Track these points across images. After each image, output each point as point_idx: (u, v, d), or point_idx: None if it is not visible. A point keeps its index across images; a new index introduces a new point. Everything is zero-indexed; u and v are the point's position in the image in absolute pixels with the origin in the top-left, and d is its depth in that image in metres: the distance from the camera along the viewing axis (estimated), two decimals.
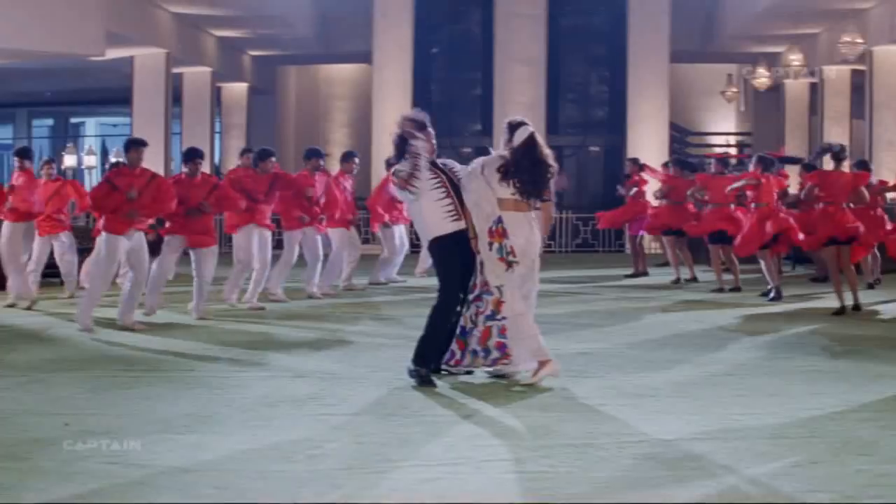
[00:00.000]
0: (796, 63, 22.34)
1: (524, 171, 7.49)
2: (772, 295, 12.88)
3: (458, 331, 7.51)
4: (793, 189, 15.64)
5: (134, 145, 10.57)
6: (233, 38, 25.04)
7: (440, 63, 26.11)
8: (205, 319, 11.01)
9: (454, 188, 7.61)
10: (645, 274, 16.32)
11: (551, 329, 9.48)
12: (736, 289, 13.80)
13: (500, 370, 7.53)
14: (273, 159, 12.57)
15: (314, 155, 13.31)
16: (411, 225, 15.46)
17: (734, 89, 24.65)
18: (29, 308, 12.10)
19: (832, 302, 11.85)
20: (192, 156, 11.28)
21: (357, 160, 14.42)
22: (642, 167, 16.69)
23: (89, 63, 21.54)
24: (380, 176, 16.13)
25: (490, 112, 23.51)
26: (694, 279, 15.25)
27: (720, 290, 13.84)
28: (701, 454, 5.55)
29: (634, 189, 16.36)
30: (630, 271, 16.54)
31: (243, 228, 12.21)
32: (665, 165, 16.70)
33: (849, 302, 11.59)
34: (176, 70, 23.22)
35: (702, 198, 14.57)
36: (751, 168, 13.07)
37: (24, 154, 13.04)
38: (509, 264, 7.41)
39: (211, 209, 11.15)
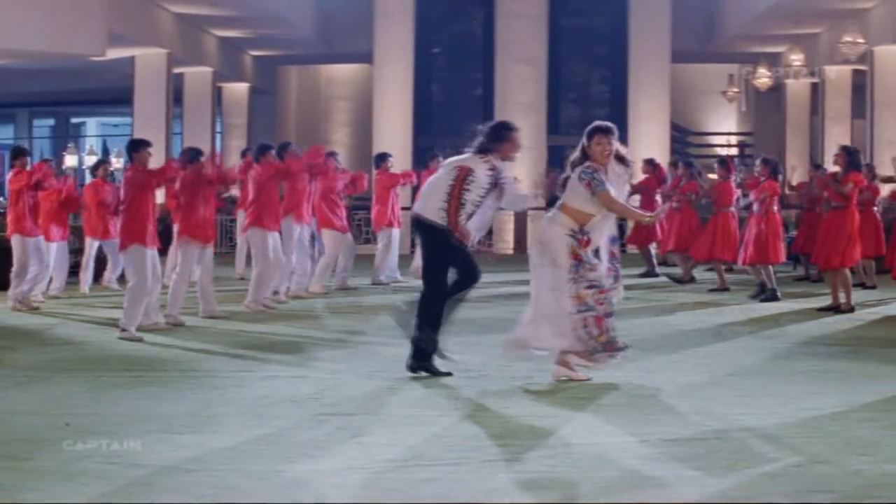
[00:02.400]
0: (797, 63, 22.32)
1: None
2: (766, 295, 12.95)
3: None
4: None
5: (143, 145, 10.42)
6: (234, 38, 25.05)
7: (441, 63, 26.13)
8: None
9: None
10: (655, 275, 16.27)
11: None
12: (724, 289, 13.91)
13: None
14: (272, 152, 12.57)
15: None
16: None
17: (735, 89, 24.63)
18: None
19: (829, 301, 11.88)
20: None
21: (391, 160, 14.81)
22: (657, 167, 16.66)
23: (90, 63, 21.54)
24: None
25: (491, 112, 23.46)
26: (692, 279, 15.26)
27: (724, 290, 13.90)
28: (701, 454, 5.55)
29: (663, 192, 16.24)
30: (643, 270, 16.54)
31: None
32: (672, 165, 16.69)
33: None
34: (177, 70, 23.22)
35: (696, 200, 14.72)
36: (756, 171, 13.11)
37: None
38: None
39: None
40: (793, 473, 5.22)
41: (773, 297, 12.78)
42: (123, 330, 9.82)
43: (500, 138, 7.61)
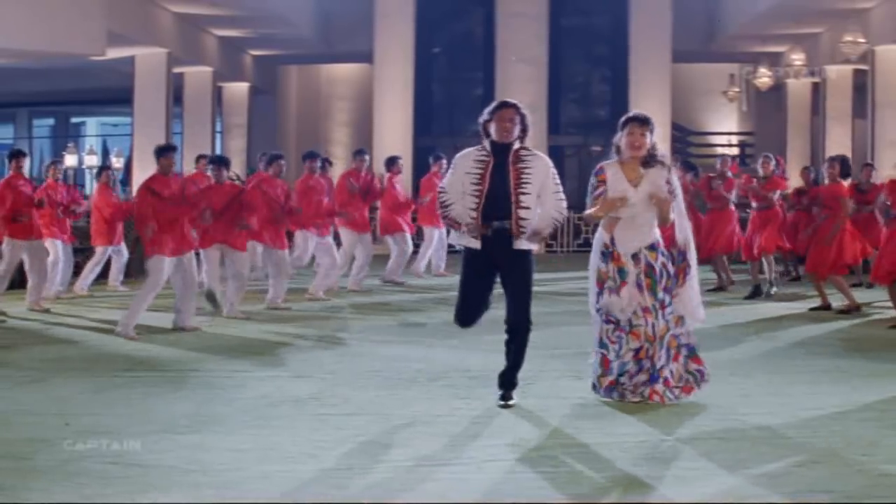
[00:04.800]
0: (798, 63, 22.31)
1: None
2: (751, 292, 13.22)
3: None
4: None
5: (166, 152, 10.44)
6: (234, 37, 25.03)
7: (441, 63, 26.10)
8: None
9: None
10: None
11: (552, 329, 9.48)
12: (720, 288, 14.03)
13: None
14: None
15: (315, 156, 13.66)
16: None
17: (736, 89, 24.62)
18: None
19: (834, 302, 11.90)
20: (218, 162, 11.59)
21: (367, 157, 14.43)
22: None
23: (90, 63, 21.51)
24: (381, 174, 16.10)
25: None
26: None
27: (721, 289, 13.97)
28: (701, 454, 5.55)
29: None
30: None
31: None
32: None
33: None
34: (177, 70, 23.20)
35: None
36: (760, 169, 13.21)
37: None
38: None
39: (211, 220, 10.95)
40: (793, 473, 5.21)
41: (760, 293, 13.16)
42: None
43: (487, 119, 6.91)
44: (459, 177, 6.82)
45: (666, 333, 6.78)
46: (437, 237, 16.06)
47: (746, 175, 14.13)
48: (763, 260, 13.22)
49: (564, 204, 6.84)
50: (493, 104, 6.98)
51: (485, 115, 6.91)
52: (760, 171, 13.26)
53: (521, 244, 6.70)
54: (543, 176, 6.77)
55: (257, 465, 5.33)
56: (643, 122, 6.84)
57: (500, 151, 6.79)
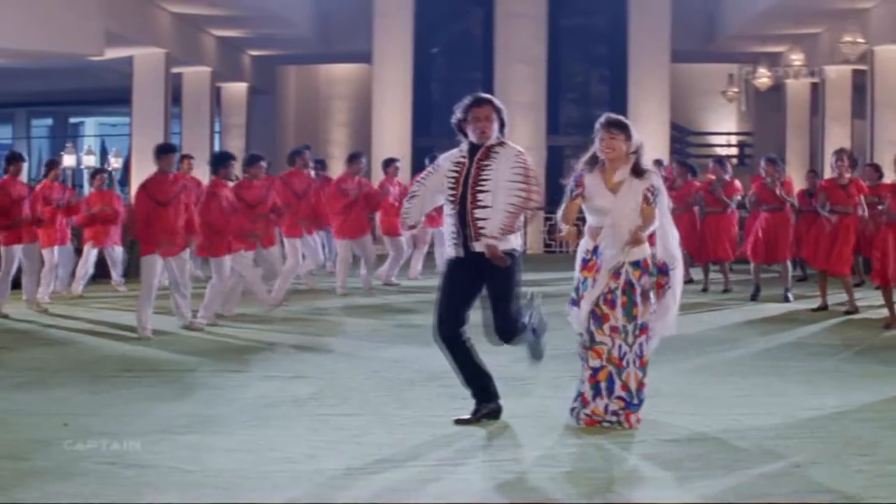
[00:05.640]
0: (797, 63, 22.30)
1: None
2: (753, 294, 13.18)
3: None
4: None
5: (164, 152, 10.41)
6: (232, 37, 25.02)
7: (440, 63, 26.10)
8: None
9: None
10: None
11: (551, 329, 9.47)
12: (727, 290, 14.01)
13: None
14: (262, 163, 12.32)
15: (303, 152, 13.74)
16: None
17: (735, 89, 24.62)
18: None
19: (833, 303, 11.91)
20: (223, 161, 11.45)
21: (363, 161, 14.34)
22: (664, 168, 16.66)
23: (88, 63, 21.50)
24: (380, 176, 16.10)
25: None
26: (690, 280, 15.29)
27: (705, 290, 14.03)
28: (701, 454, 5.55)
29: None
30: None
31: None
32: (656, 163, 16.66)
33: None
34: (175, 70, 23.18)
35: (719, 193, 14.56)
36: (763, 170, 13.15)
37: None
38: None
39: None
40: (793, 473, 5.22)
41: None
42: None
43: (461, 119, 6.35)
44: (440, 178, 6.36)
45: (633, 361, 6.25)
46: (435, 238, 16.06)
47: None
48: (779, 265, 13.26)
49: (520, 195, 6.17)
50: (467, 101, 6.37)
51: (458, 114, 6.34)
52: (766, 177, 13.11)
53: (480, 246, 6.16)
54: (504, 167, 6.21)
55: (256, 466, 5.33)
56: (612, 126, 6.39)
57: (476, 153, 6.30)
